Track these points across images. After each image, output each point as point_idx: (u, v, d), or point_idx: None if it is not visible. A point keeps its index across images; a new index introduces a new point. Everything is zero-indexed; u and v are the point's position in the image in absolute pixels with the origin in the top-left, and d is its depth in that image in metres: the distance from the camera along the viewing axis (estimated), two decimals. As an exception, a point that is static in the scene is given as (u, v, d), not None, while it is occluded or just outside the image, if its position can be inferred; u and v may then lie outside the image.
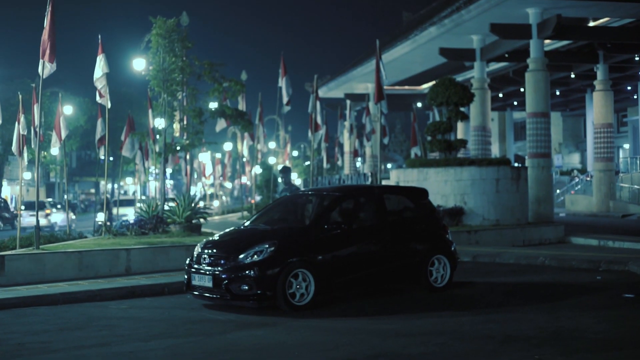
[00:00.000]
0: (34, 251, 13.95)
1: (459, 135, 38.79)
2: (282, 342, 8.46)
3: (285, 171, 16.43)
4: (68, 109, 43.81)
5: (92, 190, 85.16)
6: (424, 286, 12.00)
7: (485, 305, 10.78)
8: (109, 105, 18.18)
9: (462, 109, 22.88)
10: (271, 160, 57.13)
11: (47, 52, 14.69)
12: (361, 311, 10.57)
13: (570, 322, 9.32)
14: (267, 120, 57.70)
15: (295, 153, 79.02)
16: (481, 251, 16.96)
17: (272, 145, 66.50)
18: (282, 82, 24.11)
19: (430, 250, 12.10)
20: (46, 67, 14.95)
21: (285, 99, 24.15)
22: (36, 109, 19.39)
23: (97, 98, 18.10)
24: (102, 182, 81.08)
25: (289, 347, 8.21)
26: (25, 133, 18.28)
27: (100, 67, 17.63)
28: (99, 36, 17.69)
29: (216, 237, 11.67)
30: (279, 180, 13.96)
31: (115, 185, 72.44)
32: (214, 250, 10.84)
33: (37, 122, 19.56)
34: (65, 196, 24.93)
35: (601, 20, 31.72)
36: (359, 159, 51.08)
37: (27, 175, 64.91)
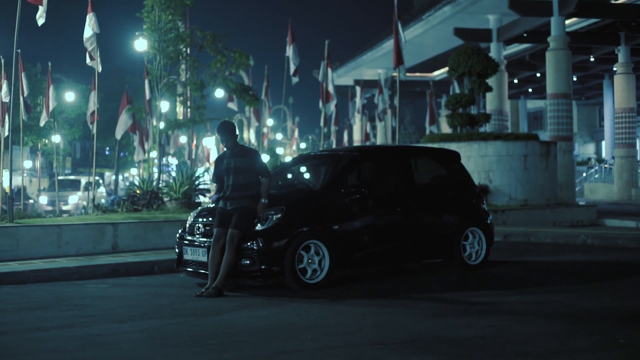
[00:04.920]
0: (6, 224, 12.25)
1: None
2: (291, 324, 6.74)
3: (224, 130, 8.84)
4: (70, 96, 42.33)
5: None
6: (456, 263, 10.22)
7: (533, 284, 9.01)
8: (100, 69, 16.48)
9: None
10: (279, 150, 55.51)
11: None
12: (384, 291, 8.80)
13: (644, 302, 7.61)
14: (274, 111, 56.10)
15: (303, 145, 77.32)
16: (513, 230, 15.18)
17: (279, 136, 64.92)
18: (289, 51, 22.32)
19: (464, 222, 10.32)
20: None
21: (292, 69, 22.36)
22: (23, 77, 18.02)
23: (88, 61, 16.42)
24: (107, 173, 79.73)
25: (300, 329, 6.50)
26: (8, 101, 16.67)
27: (90, 26, 15.96)
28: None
29: (212, 204, 9.88)
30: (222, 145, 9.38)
31: (120, 177, 70.96)
32: (210, 219, 9.04)
33: (26, 91, 18.15)
34: (58, 177, 23.26)
35: (625, -2, 30.09)
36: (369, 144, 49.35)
37: (28, 164, 63.47)
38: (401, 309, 7.45)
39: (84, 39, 16.09)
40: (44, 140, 48.34)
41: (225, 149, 8.96)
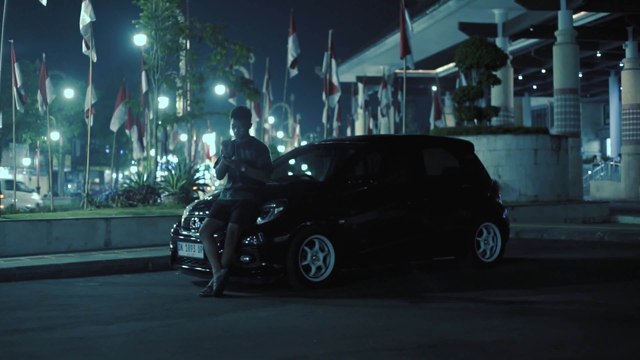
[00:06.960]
0: (-8, 219, 11.63)
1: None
2: (294, 326, 6.11)
3: (239, 115, 8.17)
4: (69, 93, 41.79)
5: (97, 180, 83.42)
6: (470, 261, 9.56)
7: (555, 283, 8.37)
8: (95, 59, 15.87)
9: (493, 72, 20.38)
10: (280, 148, 54.96)
11: None
12: (394, 290, 8.16)
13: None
14: (276, 108, 55.49)
15: (304, 143, 76.71)
16: (525, 227, 14.54)
17: (280, 134, 64.35)
18: (290, 41, 21.61)
19: (478, 217, 9.67)
20: None
21: (290, 60, 21.66)
22: (16, 68, 17.46)
23: (84, 49, 15.80)
24: (107, 172, 79.06)
25: (305, 332, 5.86)
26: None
27: (86, 13, 15.34)
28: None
29: (210, 197, 9.24)
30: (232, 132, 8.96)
31: (120, 175, 70.33)
32: (207, 212, 8.42)
33: (19, 82, 17.61)
34: (50, 168, 22.37)
35: (634, -9, 29.46)
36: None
37: (27, 162, 62.97)
38: (415, 310, 6.81)
39: (81, 27, 15.49)
40: (42, 137, 47.78)
41: (234, 137, 8.33)
